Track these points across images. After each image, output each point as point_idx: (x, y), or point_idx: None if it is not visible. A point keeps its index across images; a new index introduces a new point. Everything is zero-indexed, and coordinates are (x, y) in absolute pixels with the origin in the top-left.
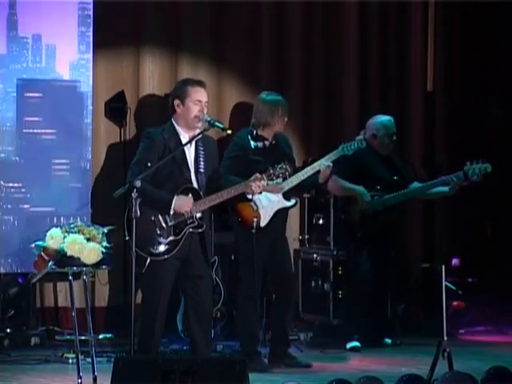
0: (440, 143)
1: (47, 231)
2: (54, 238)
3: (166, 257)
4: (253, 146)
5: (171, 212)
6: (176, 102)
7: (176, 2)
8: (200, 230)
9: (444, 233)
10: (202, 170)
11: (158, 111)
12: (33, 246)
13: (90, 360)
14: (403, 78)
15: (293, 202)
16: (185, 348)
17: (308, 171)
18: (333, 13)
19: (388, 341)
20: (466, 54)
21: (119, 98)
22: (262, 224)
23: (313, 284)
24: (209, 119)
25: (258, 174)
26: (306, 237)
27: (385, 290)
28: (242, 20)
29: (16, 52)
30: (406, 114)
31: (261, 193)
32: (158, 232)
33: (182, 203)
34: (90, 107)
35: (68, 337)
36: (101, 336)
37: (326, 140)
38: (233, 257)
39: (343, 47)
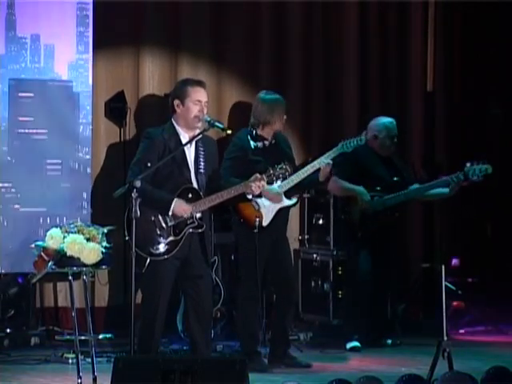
0: (440, 143)
1: (38, 231)
2: (54, 238)
3: (165, 257)
4: (253, 146)
5: (170, 213)
6: (176, 102)
7: (176, 2)
8: (200, 231)
9: (444, 233)
10: (201, 171)
11: (158, 111)
12: (33, 246)
13: (89, 360)
14: (403, 78)
15: (294, 200)
16: (185, 348)
17: (308, 169)
18: (333, 13)
19: (388, 341)
20: (466, 54)
21: (119, 98)
22: (265, 223)
23: (313, 284)
24: (209, 119)
25: (257, 175)
26: (306, 237)
27: (385, 290)
28: (242, 20)
29: (14, 52)
30: (406, 114)
31: (260, 195)
32: (158, 232)
33: (181, 207)
34: (88, 107)
35: (68, 337)
36: (101, 336)
37: (326, 140)
38: (233, 257)
39: (343, 47)
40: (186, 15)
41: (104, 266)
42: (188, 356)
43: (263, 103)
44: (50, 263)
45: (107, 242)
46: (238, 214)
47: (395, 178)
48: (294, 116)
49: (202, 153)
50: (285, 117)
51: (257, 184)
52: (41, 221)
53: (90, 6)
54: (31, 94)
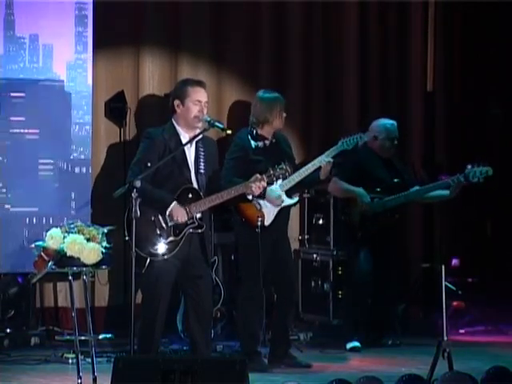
0: (440, 143)
1: (30, 231)
2: (54, 238)
3: (165, 257)
4: (253, 146)
5: (167, 213)
6: (176, 102)
7: (176, 2)
8: (200, 231)
9: (444, 233)
10: (202, 171)
11: (158, 111)
12: (33, 246)
13: (89, 360)
14: (403, 78)
15: (295, 199)
16: (185, 348)
17: (309, 168)
18: (333, 13)
19: (388, 341)
20: (466, 54)
21: (119, 97)
22: (267, 223)
23: (313, 284)
24: (208, 119)
25: (258, 175)
26: (306, 237)
27: (385, 290)
28: (242, 20)
29: (13, 52)
30: (406, 114)
31: (261, 195)
32: (158, 232)
33: (178, 211)
34: (85, 107)
35: (68, 337)
36: (101, 336)
37: (326, 140)
38: (233, 257)
39: (343, 47)
40: (185, 15)
41: (104, 266)
42: (188, 356)
43: (262, 102)
44: (50, 263)
45: (107, 242)
46: (240, 213)
47: (395, 180)
48: (294, 116)
49: (202, 153)
50: (285, 114)
51: (257, 184)
52: (34, 221)
53: (89, 6)
54: (23, 94)
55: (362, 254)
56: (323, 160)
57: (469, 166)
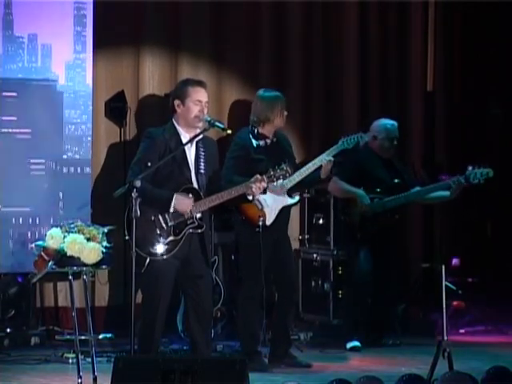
0: (440, 143)
1: (21, 231)
2: (54, 238)
3: (164, 257)
4: (255, 145)
5: (171, 210)
6: (176, 102)
7: (176, 2)
8: (200, 231)
9: (444, 233)
10: (202, 171)
11: (158, 111)
12: (33, 245)
13: (90, 360)
14: (403, 78)
15: (296, 199)
16: (185, 348)
17: (310, 167)
18: (333, 13)
19: (388, 341)
20: (466, 53)
21: (119, 97)
22: (268, 223)
23: (313, 284)
24: (209, 119)
25: (258, 176)
26: (306, 237)
27: (385, 290)
28: (242, 20)
29: (12, 52)
30: (406, 114)
31: (265, 192)
32: (158, 232)
33: (182, 202)
34: (83, 107)
35: (68, 337)
36: (101, 336)
37: (326, 140)
38: (233, 257)
39: (343, 47)
40: (186, 15)
41: (104, 266)
42: (188, 356)
43: (262, 100)
44: (50, 263)
45: (107, 242)
46: (241, 213)
47: (396, 180)
48: (294, 116)
49: (203, 153)
50: (286, 113)
51: (257, 185)
52: (20, 221)
53: (87, 6)
54: (14, 94)
55: (362, 254)
56: (324, 159)
57: (469, 168)
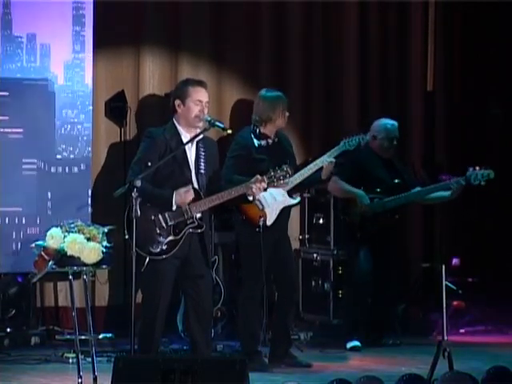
0: (440, 143)
1: (13, 231)
2: (54, 238)
3: (163, 256)
4: (256, 145)
5: (173, 208)
6: (177, 102)
7: (176, 2)
8: (199, 231)
9: (444, 233)
10: (202, 171)
11: (158, 111)
12: (33, 245)
13: (90, 360)
14: (403, 78)
15: (298, 199)
16: (185, 348)
17: (311, 168)
18: (333, 13)
19: (388, 340)
20: (466, 53)
21: (119, 97)
22: (269, 223)
23: (313, 284)
24: (209, 119)
25: (258, 176)
26: (307, 236)
27: (385, 290)
28: (242, 20)
29: (10, 51)
30: (406, 114)
31: (266, 190)
32: (158, 231)
33: (182, 195)
34: (80, 106)
35: (68, 336)
36: (101, 336)
37: (326, 140)
38: (233, 256)
39: (343, 47)
40: (186, 15)
41: (104, 266)
42: (188, 356)
43: (264, 100)
44: (50, 263)
45: (107, 242)
46: (242, 213)
47: (396, 181)
48: (294, 116)
49: (203, 153)
50: (287, 113)
51: (257, 185)
52: (6, 221)
53: (86, 6)
54: (6, 93)
55: (362, 254)
56: (325, 160)
57: (470, 169)
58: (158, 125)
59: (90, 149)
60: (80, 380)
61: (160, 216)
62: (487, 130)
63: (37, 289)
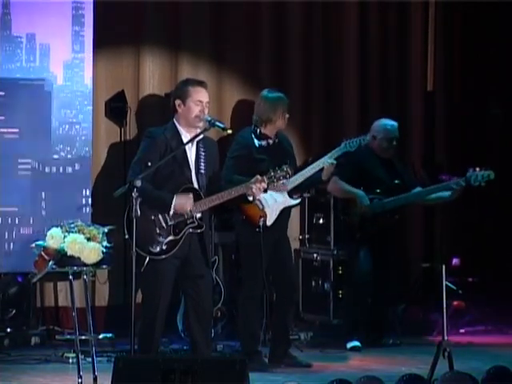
0: (440, 143)
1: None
2: (55, 238)
3: (163, 256)
4: (257, 145)
5: (171, 212)
6: (177, 102)
7: (176, 2)
8: (199, 231)
9: (444, 233)
10: (202, 171)
11: (159, 111)
12: (33, 245)
13: (90, 360)
14: (403, 78)
15: (298, 200)
16: (185, 348)
17: (312, 169)
18: (333, 13)
19: (388, 340)
20: (466, 53)
21: (119, 97)
22: (269, 223)
23: (313, 284)
24: (209, 119)
25: (258, 176)
26: (307, 236)
27: (385, 290)
28: (242, 20)
29: (10, 51)
30: (406, 114)
31: (265, 191)
32: (158, 231)
33: (182, 202)
34: (79, 106)
35: (68, 336)
36: (101, 336)
37: (326, 140)
38: (233, 256)
39: (343, 47)
40: (186, 15)
41: (104, 266)
42: (188, 356)
43: (266, 101)
44: (50, 263)
45: (107, 242)
46: (242, 213)
47: (396, 181)
48: (295, 116)
49: (203, 154)
50: (287, 115)
51: (257, 186)
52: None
53: (86, 6)
54: (2, 93)
55: (362, 254)
56: (326, 161)
57: (470, 170)
58: (158, 125)
59: (87, 149)
60: (80, 380)
61: (160, 216)
62: (487, 130)
63: (37, 289)
